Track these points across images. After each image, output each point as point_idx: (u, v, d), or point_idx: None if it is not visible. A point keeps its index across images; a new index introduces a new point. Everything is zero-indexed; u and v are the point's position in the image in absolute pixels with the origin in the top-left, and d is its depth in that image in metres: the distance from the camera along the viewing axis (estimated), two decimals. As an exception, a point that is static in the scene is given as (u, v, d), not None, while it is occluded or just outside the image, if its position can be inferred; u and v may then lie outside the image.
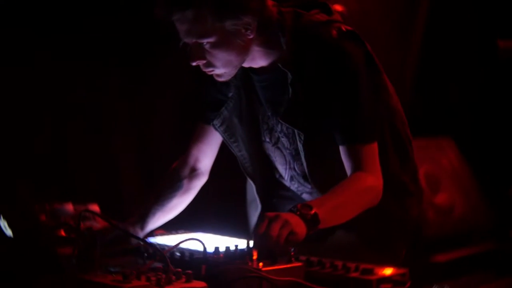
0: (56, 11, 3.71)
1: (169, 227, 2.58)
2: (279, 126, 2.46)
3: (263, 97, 2.47)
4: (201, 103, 2.61)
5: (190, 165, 2.63)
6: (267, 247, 2.02)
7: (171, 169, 2.65)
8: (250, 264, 1.93)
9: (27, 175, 3.42)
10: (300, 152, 2.40)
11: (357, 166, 2.32)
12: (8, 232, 1.99)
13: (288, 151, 2.48)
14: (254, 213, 2.66)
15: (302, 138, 2.36)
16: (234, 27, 2.27)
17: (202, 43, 2.28)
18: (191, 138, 2.64)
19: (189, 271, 1.84)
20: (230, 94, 2.52)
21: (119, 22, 3.93)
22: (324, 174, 2.41)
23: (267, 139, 2.53)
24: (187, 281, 1.82)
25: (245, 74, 2.45)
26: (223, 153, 2.69)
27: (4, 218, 1.99)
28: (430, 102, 4.26)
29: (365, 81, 2.34)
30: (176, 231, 2.47)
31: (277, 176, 2.58)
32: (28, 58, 3.61)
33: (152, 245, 1.99)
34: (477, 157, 4.09)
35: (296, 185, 2.53)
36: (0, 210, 2.01)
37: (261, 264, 1.93)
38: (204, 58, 2.30)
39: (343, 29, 2.37)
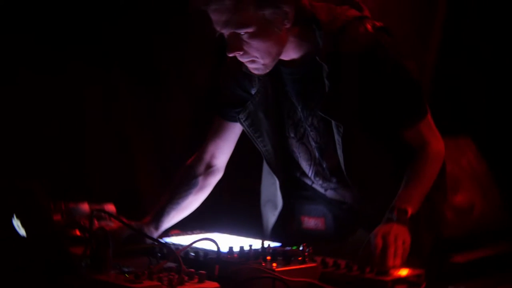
0: (71, 16, 3.72)
1: (185, 227, 2.58)
2: (310, 119, 2.45)
3: (293, 91, 2.46)
4: (220, 98, 2.60)
5: (205, 161, 2.61)
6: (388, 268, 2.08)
7: (185, 165, 2.63)
8: (263, 264, 1.92)
9: (44, 175, 3.43)
10: (337, 145, 2.39)
11: (421, 143, 2.42)
12: (22, 231, 1.99)
13: (316, 145, 2.47)
14: (272, 213, 2.64)
15: (341, 130, 2.36)
16: (273, 16, 2.26)
17: (240, 33, 2.26)
18: (207, 134, 2.63)
19: (202, 272, 1.83)
20: (253, 90, 2.51)
21: (133, 25, 3.93)
22: (360, 166, 2.42)
23: (292, 135, 2.52)
24: (200, 281, 1.81)
25: (273, 67, 2.42)
26: (241, 152, 2.69)
27: (17, 217, 1.99)
28: (449, 102, 4.23)
29: (406, 64, 2.38)
30: (192, 231, 2.46)
31: (298, 175, 2.57)
32: (47, 63, 3.62)
33: (165, 244, 1.98)
34: (496, 157, 4.05)
35: (320, 182, 2.52)
36: (14, 209, 2.01)
37: (274, 264, 1.92)
38: (241, 49, 2.29)
39: (377, 24, 2.38)
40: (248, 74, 2.46)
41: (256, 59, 2.32)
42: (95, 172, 3.86)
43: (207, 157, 2.61)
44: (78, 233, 2.25)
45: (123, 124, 4.01)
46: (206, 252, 2.07)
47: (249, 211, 3.01)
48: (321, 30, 2.35)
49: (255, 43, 2.28)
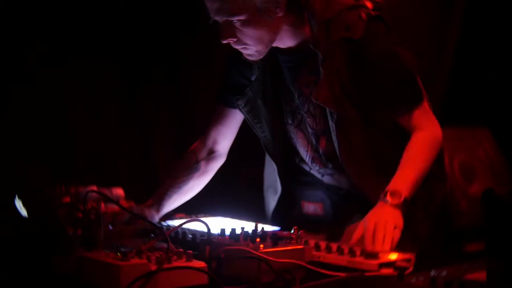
0: (95, 9, 3.78)
1: (191, 211, 2.64)
2: (306, 106, 2.51)
3: (290, 78, 2.52)
4: (222, 85, 2.67)
5: (208, 147, 2.69)
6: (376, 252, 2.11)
7: (188, 151, 2.70)
8: (251, 245, 1.97)
9: (59, 162, 3.51)
10: (332, 131, 2.44)
11: (417, 127, 2.46)
12: (23, 212, 2.06)
13: (312, 131, 2.52)
14: (273, 198, 2.70)
15: (335, 116, 2.41)
16: (265, 4, 2.32)
17: (233, 20, 2.32)
18: (210, 120, 2.69)
19: (190, 251, 1.89)
20: (253, 77, 2.56)
21: (158, 24, 3.98)
22: (354, 152, 2.46)
23: (290, 121, 2.58)
24: (187, 260, 1.87)
25: (270, 55, 2.48)
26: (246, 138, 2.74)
27: (19, 198, 2.07)
28: (468, 91, 4.23)
29: (400, 52, 2.43)
30: (196, 215, 2.52)
31: (297, 160, 2.62)
32: (65, 59, 3.69)
33: (155, 225, 2.05)
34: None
35: (317, 167, 2.58)
36: (16, 190, 2.08)
37: (261, 245, 1.97)
38: (234, 36, 2.35)
39: (372, 13, 2.42)
40: (248, 62, 2.52)
41: (248, 46, 2.38)
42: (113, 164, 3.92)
43: (209, 142, 2.68)
44: (77, 214, 2.34)
45: (145, 120, 4.07)
46: (201, 233, 2.13)
47: (256, 197, 3.07)
48: (315, 18, 2.39)
49: (248, 31, 2.34)
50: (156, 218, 2.48)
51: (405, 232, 2.43)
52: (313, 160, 2.56)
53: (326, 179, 2.56)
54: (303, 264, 1.98)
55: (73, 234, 1.98)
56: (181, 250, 1.90)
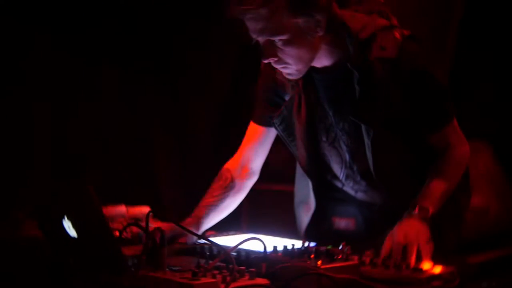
0: (92, 11, 3.81)
1: (219, 228, 2.68)
2: (341, 124, 2.55)
3: (325, 96, 2.56)
4: (255, 105, 2.71)
5: (242, 165, 2.73)
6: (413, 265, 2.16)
7: (223, 169, 2.74)
8: (309, 262, 2.01)
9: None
10: (367, 148, 2.49)
11: (446, 146, 2.53)
12: (72, 232, 2.07)
13: (347, 148, 2.57)
14: (306, 214, 2.74)
15: (371, 134, 2.46)
16: (306, 24, 2.36)
17: (275, 40, 2.36)
18: (243, 139, 2.74)
19: (253, 269, 1.92)
20: (287, 96, 2.61)
21: (155, 27, 4.02)
22: (388, 169, 2.52)
23: (324, 139, 2.62)
24: (251, 278, 1.90)
25: (305, 74, 2.52)
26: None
27: (68, 218, 2.07)
28: (465, 103, 4.30)
29: (433, 70, 2.49)
30: (227, 232, 2.56)
31: (329, 177, 2.67)
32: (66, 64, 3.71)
33: (217, 244, 2.07)
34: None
35: (351, 184, 2.63)
36: (65, 210, 2.09)
37: (319, 262, 2.02)
38: (276, 55, 2.39)
39: (405, 33, 2.48)
40: (282, 81, 2.57)
41: (289, 65, 2.42)
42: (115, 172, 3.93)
43: (243, 160, 2.73)
44: (125, 234, 2.36)
45: (144, 123, 4.10)
46: (248, 251, 2.16)
47: (278, 213, 3.11)
48: (352, 38, 2.45)
49: (289, 50, 2.38)
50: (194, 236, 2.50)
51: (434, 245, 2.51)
52: (347, 177, 2.62)
53: (360, 196, 2.62)
54: (358, 279, 2.02)
55: (134, 255, 2.00)
56: (243, 268, 1.93)
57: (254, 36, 2.38)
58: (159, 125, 4.19)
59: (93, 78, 3.91)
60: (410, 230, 2.30)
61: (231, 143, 2.88)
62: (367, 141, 2.48)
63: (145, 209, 2.71)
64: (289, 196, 2.90)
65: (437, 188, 2.47)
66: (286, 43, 2.37)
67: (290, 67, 2.43)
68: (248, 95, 3.86)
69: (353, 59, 2.44)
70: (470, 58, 4.24)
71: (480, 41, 4.20)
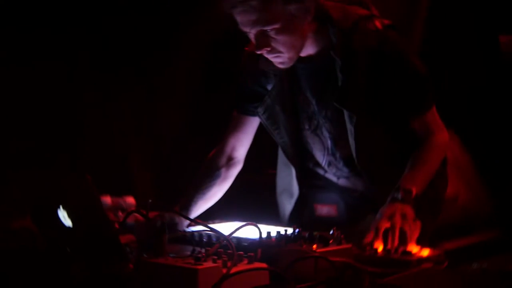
0: (69, 19, 3.80)
1: (204, 217, 2.71)
2: (324, 112, 2.60)
3: (307, 85, 2.62)
4: (238, 94, 2.75)
5: (227, 154, 2.77)
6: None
7: (208, 158, 2.78)
8: (304, 246, 2.06)
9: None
10: (350, 135, 2.55)
11: (426, 132, 2.59)
12: (67, 222, 2.08)
13: (330, 135, 2.63)
14: (289, 201, 2.80)
15: (354, 120, 2.52)
16: (297, 11, 2.41)
17: (267, 30, 2.41)
18: (227, 128, 2.78)
19: (251, 254, 1.96)
20: (269, 85, 2.66)
21: (127, 26, 4.02)
22: (370, 155, 2.59)
23: (306, 127, 2.67)
24: (249, 262, 1.94)
25: None
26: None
27: (64, 208, 2.08)
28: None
29: (416, 58, 2.56)
30: (213, 221, 2.60)
31: (311, 165, 2.72)
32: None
33: (219, 232, 2.09)
34: (479, 149, 4.21)
35: (334, 170, 2.69)
36: (60, 200, 2.10)
37: (314, 246, 2.06)
38: (269, 45, 2.44)
39: (385, 22, 2.55)
40: (264, 71, 2.63)
41: (281, 54, 2.46)
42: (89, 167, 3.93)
43: (228, 149, 2.76)
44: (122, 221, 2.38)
45: (118, 122, 4.10)
46: (241, 238, 2.20)
47: (258, 201, 3.16)
48: (335, 27, 2.50)
49: (281, 38, 2.43)
50: (185, 224, 2.53)
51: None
52: (329, 164, 2.67)
53: (342, 182, 2.67)
54: (352, 262, 2.06)
55: (130, 242, 2.02)
56: (242, 253, 1.96)
57: (245, 29, 2.43)
58: (132, 122, 4.19)
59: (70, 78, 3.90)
60: (395, 213, 2.35)
61: (206, 138, 2.91)
62: (350, 127, 2.53)
63: (129, 199, 2.72)
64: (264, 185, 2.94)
65: (419, 171, 2.53)
66: (279, 31, 2.41)
67: (282, 56, 2.47)
68: (221, 89, 3.92)
69: (337, 47, 2.49)
70: (436, 52, 4.31)
71: (445, 38, 4.26)
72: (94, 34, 3.89)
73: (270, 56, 2.48)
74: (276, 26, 2.39)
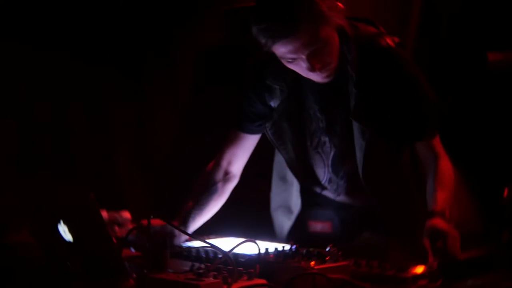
0: (68, 19, 3.82)
1: (199, 233, 2.72)
2: (333, 127, 2.63)
3: (316, 100, 2.64)
4: (239, 113, 2.76)
5: (223, 168, 2.78)
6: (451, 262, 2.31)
7: (205, 172, 2.79)
8: (302, 263, 2.08)
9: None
10: (358, 150, 2.57)
11: (436, 155, 2.60)
12: (68, 236, 2.10)
13: (336, 150, 2.66)
14: (287, 217, 2.81)
15: (367, 135, 2.55)
16: (328, 25, 2.43)
17: (317, 48, 2.42)
18: (224, 142, 2.79)
19: (251, 270, 1.98)
20: (273, 102, 2.67)
21: (124, 29, 4.05)
22: (377, 171, 2.61)
23: (308, 143, 2.70)
24: (249, 279, 1.96)
25: (295, 80, 2.60)
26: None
27: (65, 223, 2.10)
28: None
29: (425, 80, 2.59)
30: (208, 236, 2.62)
31: (310, 182, 2.74)
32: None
33: (218, 248, 2.11)
34: (468, 167, 4.23)
35: (334, 187, 2.71)
36: (61, 214, 2.12)
37: (312, 263, 2.09)
38: (321, 61, 2.46)
39: (395, 39, 2.59)
40: (268, 87, 2.64)
41: (328, 66, 2.49)
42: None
43: (224, 164, 2.77)
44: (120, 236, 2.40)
45: (109, 126, 4.11)
46: (238, 254, 2.22)
47: (250, 217, 3.18)
48: (349, 43, 2.54)
49: (327, 51, 2.46)
50: (183, 239, 2.55)
51: (408, 247, 2.60)
52: (330, 180, 2.70)
53: (341, 198, 2.69)
54: (348, 279, 2.09)
55: (129, 257, 2.04)
56: (242, 269, 1.98)
57: (295, 55, 2.43)
58: (122, 127, 4.21)
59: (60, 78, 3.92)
60: (441, 225, 2.41)
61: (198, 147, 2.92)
62: (361, 142, 2.56)
63: (125, 214, 2.74)
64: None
65: (447, 197, 2.58)
66: (323, 47, 2.44)
67: (329, 67, 2.50)
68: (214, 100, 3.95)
69: (353, 62, 2.53)
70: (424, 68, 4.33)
71: (434, 53, 4.27)
72: (85, 43, 3.90)
73: (322, 72, 2.49)
74: (319, 44, 2.42)
